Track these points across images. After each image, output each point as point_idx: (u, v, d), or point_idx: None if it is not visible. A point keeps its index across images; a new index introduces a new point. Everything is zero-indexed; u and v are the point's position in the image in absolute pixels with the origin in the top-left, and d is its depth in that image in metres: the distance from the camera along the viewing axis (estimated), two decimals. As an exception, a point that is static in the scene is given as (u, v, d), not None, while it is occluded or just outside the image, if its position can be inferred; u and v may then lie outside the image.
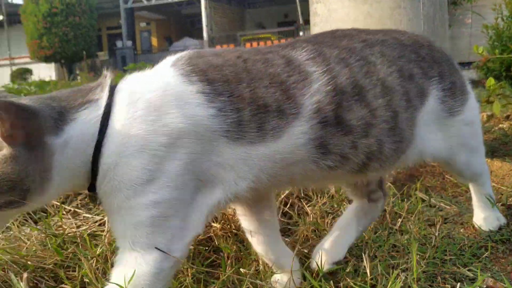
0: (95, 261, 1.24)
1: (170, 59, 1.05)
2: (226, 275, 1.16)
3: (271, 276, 1.24)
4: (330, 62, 1.08)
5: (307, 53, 1.09)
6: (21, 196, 0.88)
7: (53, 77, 13.15)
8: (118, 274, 0.92)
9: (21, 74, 15.73)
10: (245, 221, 1.24)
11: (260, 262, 1.29)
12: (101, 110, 0.93)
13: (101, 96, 0.96)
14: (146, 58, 14.97)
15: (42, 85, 6.43)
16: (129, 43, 17.64)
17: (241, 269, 1.26)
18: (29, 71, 16.33)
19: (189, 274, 1.18)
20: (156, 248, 0.92)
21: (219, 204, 0.99)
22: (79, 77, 10.32)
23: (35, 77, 14.14)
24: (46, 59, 16.55)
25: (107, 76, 1.00)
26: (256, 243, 1.22)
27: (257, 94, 1.00)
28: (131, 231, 0.92)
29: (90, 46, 16.72)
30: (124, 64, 14.42)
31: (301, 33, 13.79)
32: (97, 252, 1.28)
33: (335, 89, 1.04)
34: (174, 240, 0.95)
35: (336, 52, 1.11)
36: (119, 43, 17.50)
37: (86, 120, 0.92)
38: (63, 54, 16.14)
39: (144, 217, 0.92)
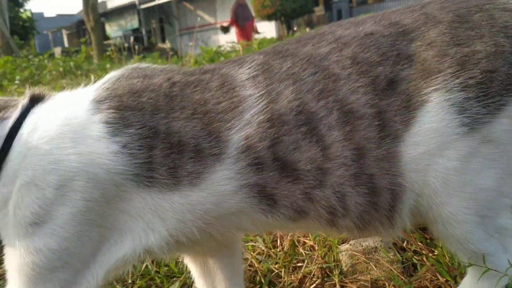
0: None
1: (107, 77, 0.89)
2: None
3: None
4: (272, 81, 0.82)
5: (250, 70, 0.84)
6: None
7: (274, 35, 13.84)
8: None
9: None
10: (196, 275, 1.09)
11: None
12: (5, 130, 0.80)
13: (9, 116, 0.83)
14: (362, 10, 14.55)
15: (263, 42, 6.77)
16: (345, -4, 17.35)
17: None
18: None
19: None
20: None
21: (126, 259, 0.82)
22: (297, 34, 10.60)
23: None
24: (269, 17, 17.56)
25: (27, 95, 0.87)
26: None
27: (172, 128, 0.79)
28: (15, 271, 0.81)
29: (307, 2, 17.02)
30: (339, 18, 14.26)
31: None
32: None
33: (270, 119, 0.79)
34: None
35: (288, 65, 0.84)
36: (335, -3, 17.39)
37: None
38: (283, 11, 16.84)
39: (27, 261, 0.79)
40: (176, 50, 14.61)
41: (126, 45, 9.74)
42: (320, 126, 0.78)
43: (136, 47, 6.80)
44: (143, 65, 0.94)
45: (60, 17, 34.56)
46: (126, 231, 0.82)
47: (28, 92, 0.88)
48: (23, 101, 0.86)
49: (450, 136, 0.77)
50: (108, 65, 5.90)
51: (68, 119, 0.80)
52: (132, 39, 18.42)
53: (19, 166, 0.79)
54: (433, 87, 0.77)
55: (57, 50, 10.69)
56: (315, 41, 0.87)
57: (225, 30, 9.95)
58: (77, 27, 27.20)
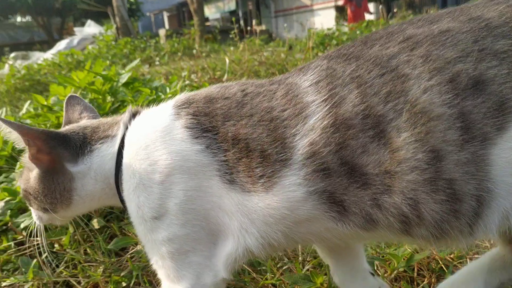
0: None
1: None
2: None
3: None
4: (335, 86, 0.79)
5: (313, 76, 0.83)
6: (51, 206, 1.03)
7: (372, 17, 13.48)
8: None
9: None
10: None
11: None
12: (115, 146, 0.99)
13: (117, 134, 1.01)
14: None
15: (370, 25, 6.66)
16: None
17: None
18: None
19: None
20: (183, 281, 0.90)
21: (237, 254, 0.87)
22: (397, 16, 10.26)
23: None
24: (367, -1, 17.07)
25: (128, 112, 1.02)
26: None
27: (240, 135, 0.83)
28: (161, 262, 0.93)
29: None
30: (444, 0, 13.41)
31: None
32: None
33: (334, 124, 0.76)
34: (200, 276, 0.90)
35: (352, 67, 0.80)
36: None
37: (103, 155, 1.00)
38: (383, -8, 16.27)
39: (164, 252, 0.91)
40: (270, 33, 14.81)
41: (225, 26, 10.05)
42: (388, 128, 0.74)
43: (234, 31, 6.87)
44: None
45: (162, -1, 36.30)
46: (227, 228, 0.88)
47: (128, 110, 1.04)
48: (124, 117, 1.03)
49: None
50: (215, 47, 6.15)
51: (156, 126, 0.92)
52: (242, 19, 18.95)
53: (129, 174, 0.93)
54: None
55: (162, 32, 11.33)
56: (383, 41, 0.82)
57: (340, 9, 9.91)
58: (177, 9, 28.49)
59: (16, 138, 0.99)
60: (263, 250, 0.86)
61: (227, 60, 4.10)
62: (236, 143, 0.84)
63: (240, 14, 22.99)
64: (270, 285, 1.29)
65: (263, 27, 16.58)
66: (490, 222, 0.73)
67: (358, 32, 5.99)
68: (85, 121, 1.13)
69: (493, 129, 0.69)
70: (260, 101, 0.87)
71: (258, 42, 5.38)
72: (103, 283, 1.39)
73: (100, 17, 17.79)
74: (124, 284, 1.39)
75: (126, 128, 0.99)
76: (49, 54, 9.71)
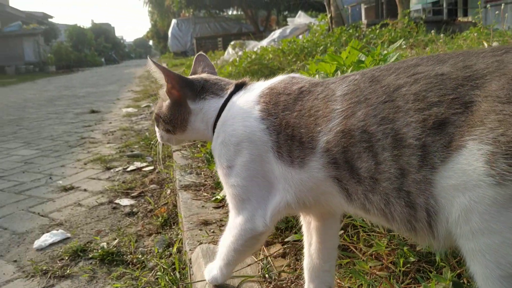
0: None
1: (276, 78, 1.31)
2: None
3: None
4: (353, 101, 1.00)
5: (346, 88, 1.04)
6: (172, 129, 1.44)
7: None
8: (228, 225, 1.32)
9: None
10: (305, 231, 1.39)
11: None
12: (219, 105, 1.35)
13: (224, 96, 1.37)
14: None
15: None
16: None
17: None
18: None
19: None
20: (241, 215, 1.25)
21: (280, 206, 1.17)
22: None
23: None
24: None
25: (234, 83, 1.39)
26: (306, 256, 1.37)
27: (289, 123, 1.11)
28: (229, 198, 1.28)
29: None
30: None
31: None
32: None
33: (343, 131, 0.99)
34: (254, 215, 1.22)
35: (369, 90, 0.99)
36: None
37: (210, 105, 1.37)
38: None
39: (231, 192, 1.25)
40: (479, 27, 13.42)
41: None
42: (376, 145, 0.93)
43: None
44: (297, 75, 1.30)
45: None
46: (275, 187, 1.18)
47: (231, 82, 1.41)
48: (231, 87, 1.37)
49: (476, 181, 0.80)
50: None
51: (243, 104, 1.26)
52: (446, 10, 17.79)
53: (219, 130, 1.29)
54: (472, 137, 0.81)
55: (364, 22, 11.37)
56: (399, 72, 0.98)
57: None
58: (376, 1, 28.03)
59: (159, 76, 1.38)
60: (299, 207, 1.16)
61: (486, 45, 3.89)
62: (286, 129, 1.12)
63: (445, 4, 21.44)
64: None
65: (469, 18, 15.13)
66: (443, 228, 0.88)
67: None
68: (206, 75, 1.51)
69: (439, 160, 0.85)
70: (308, 99, 1.11)
71: (484, 32, 4.84)
72: (386, 255, 1.49)
73: (308, 9, 18.67)
74: (412, 259, 1.43)
75: (231, 95, 1.35)
76: (264, 42, 10.70)
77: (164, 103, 1.47)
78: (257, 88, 1.29)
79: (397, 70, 0.98)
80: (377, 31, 6.75)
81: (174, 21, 31.02)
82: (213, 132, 1.34)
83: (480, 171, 0.79)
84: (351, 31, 7.26)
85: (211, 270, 1.47)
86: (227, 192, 1.28)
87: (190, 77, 1.46)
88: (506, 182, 0.76)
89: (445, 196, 0.85)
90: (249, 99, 1.26)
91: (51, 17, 37.23)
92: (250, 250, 1.33)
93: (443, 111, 0.86)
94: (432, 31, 6.14)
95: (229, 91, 1.37)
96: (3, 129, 6.73)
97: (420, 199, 0.89)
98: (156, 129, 1.54)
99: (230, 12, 30.66)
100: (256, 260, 1.64)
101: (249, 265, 1.60)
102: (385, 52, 2.51)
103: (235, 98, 1.32)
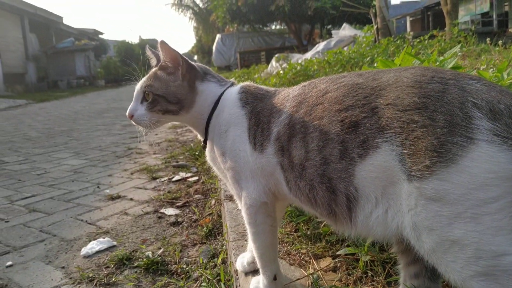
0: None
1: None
2: None
3: None
4: (298, 102, 1.21)
5: (297, 91, 1.27)
6: (178, 108, 1.48)
7: None
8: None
9: None
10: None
11: None
12: (218, 94, 1.49)
13: (223, 86, 1.52)
14: None
15: None
16: None
17: None
18: None
19: None
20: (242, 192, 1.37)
21: (264, 188, 1.32)
22: None
23: None
24: None
25: (232, 80, 1.58)
26: None
27: (258, 114, 1.33)
28: (229, 180, 1.40)
29: None
30: None
31: None
32: None
33: (288, 124, 1.19)
34: (249, 191, 1.33)
35: (313, 93, 1.19)
36: None
37: (212, 90, 1.50)
38: None
39: (229, 177, 1.40)
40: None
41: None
42: (307, 137, 1.12)
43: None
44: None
45: (404, 4, 35.59)
46: (256, 169, 1.31)
47: (230, 80, 1.57)
48: (228, 83, 1.53)
49: (394, 177, 0.97)
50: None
51: (229, 96, 1.45)
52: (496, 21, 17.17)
53: (214, 124, 1.45)
54: (384, 139, 0.97)
55: (409, 34, 11.10)
56: (331, 81, 1.19)
57: None
58: (422, 13, 27.43)
59: (162, 57, 1.48)
60: (275, 196, 1.34)
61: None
62: (254, 117, 1.32)
63: (495, 15, 20.65)
64: None
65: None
66: (363, 214, 1.04)
67: None
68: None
69: (357, 156, 1.02)
70: (276, 97, 1.35)
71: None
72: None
73: (352, 22, 18.50)
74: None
75: (226, 90, 1.49)
76: (309, 55, 10.63)
77: (172, 83, 1.46)
78: (241, 84, 1.51)
79: (330, 80, 1.20)
80: (426, 41, 6.54)
81: (218, 36, 31.54)
82: (208, 124, 1.48)
83: (397, 168, 0.95)
84: (398, 42, 7.07)
85: (258, 282, 1.43)
86: (228, 179, 1.42)
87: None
88: (413, 178, 0.92)
89: (367, 185, 1.01)
90: (234, 92, 1.46)
91: (102, 33, 38.75)
92: (266, 228, 1.35)
93: (357, 113, 1.04)
94: (487, 39, 5.87)
95: (225, 87, 1.52)
96: (55, 139, 6.99)
97: (340, 185, 1.05)
98: (143, 113, 1.48)
99: (273, 27, 30.91)
100: (306, 274, 1.56)
101: (298, 279, 1.53)
102: (441, 58, 2.39)
103: (227, 93, 1.49)
